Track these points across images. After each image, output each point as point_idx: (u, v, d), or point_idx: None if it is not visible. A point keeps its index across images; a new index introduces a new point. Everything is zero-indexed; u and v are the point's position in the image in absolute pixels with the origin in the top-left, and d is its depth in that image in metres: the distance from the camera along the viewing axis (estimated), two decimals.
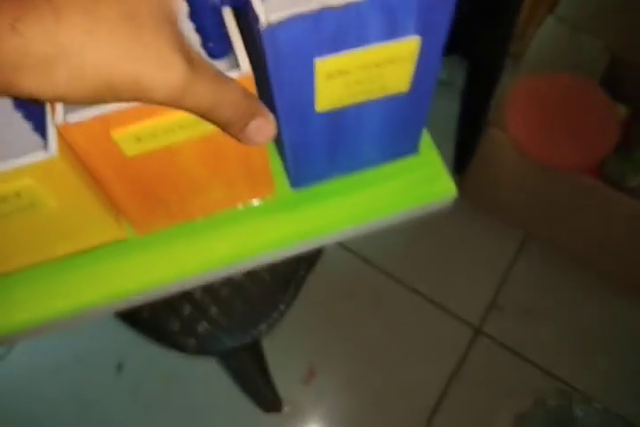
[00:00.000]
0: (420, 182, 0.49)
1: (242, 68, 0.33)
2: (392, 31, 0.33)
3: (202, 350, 0.53)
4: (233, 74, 0.33)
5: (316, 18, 0.30)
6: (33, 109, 0.36)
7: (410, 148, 0.48)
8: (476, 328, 1.19)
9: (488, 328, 1.19)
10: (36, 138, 0.38)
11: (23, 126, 0.38)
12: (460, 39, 0.77)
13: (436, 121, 1.31)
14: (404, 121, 0.43)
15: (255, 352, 0.63)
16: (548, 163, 0.94)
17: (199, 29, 0.35)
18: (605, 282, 1.20)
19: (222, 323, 0.52)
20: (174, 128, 0.35)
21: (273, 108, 0.37)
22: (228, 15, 0.35)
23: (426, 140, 0.49)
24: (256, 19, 0.30)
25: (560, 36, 0.92)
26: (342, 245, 1.25)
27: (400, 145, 0.47)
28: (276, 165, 0.49)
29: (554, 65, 0.95)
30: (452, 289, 1.22)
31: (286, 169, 0.47)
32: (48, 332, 0.47)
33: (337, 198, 0.49)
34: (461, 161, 1.22)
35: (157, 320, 0.54)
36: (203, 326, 0.53)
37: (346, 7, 0.30)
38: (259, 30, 0.30)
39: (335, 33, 0.32)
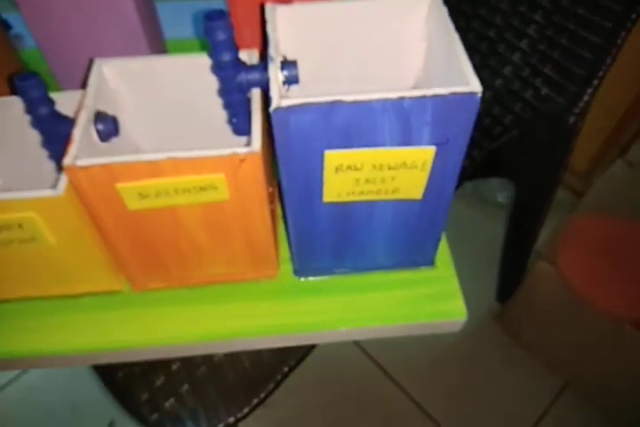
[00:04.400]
0: (429, 299, 0.46)
1: (252, 146, 0.34)
2: (406, 138, 0.33)
3: None
4: (242, 150, 0.34)
5: (328, 110, 0.30)
6: (59, 150, 0.38)
7: (424, 259, 0.46)
8: None
9: None
10: (56, 177, 0.39)
11: (48, 164, 0.40)
12: (508, 163, 0.76)
13: (490, 244, 1.27)
14: (417, 229, 0.41)
15: None
16: (596, 306, 0.87)
17: (226, 106, 0.36)
18: None
19: (189, 404, 0.49)
20: (178, 191, 0.36)
21: (281, 193, 0.37)
22: (256, 96, 0.36)
23: (444, 255, 0.47)
24: (270, 102, 0.31)
25: (626, 180, 0.90)
26: (363, 351, 1.18)
27: (414, 254, 0.45)
28: (285, 251, 0.48)
29: (615, 207, 0.92)
30: None
31: (292, 256, 0.46)
32: (17, 368, 0.47)
33: (340, 297, 0.47)
34: (505, 290, 1.15)
35: (129, 384, 0.52)
36: (170, 403, 0.50)
37: (356, 104, 0.30)
38: (270, 113, 0.31)
39: (347, 128, 0.32)
